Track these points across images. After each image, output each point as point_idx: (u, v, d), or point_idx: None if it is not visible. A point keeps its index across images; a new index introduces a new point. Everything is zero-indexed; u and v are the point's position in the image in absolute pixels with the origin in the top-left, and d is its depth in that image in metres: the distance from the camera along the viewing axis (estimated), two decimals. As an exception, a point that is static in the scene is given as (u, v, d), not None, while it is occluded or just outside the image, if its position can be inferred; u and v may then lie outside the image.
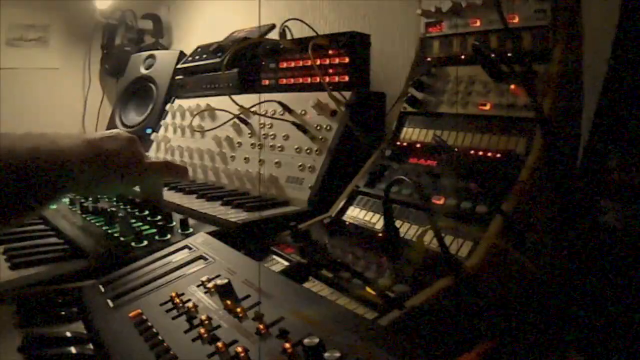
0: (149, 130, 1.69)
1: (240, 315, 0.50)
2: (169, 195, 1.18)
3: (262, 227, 0.92)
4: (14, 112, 2.18)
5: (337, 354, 0.39)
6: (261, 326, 0.46)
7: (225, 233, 0.88)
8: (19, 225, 0.92)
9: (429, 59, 0.96)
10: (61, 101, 2.56)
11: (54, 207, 1.13)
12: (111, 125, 1.99)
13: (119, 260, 0.76)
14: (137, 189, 0.87)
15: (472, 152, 0.80)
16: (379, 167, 0.92)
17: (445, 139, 0.86)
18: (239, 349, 0.43)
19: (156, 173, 0.82)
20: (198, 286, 0.59)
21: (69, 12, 2.60)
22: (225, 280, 0.54)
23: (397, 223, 0.77)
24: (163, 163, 0.83)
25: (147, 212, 1.02)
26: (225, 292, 0.53)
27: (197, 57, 1.66)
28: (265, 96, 1.27)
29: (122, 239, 0.86)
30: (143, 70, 1.97)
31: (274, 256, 0.78)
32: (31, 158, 0.62)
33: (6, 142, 0.62)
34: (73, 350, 0.51)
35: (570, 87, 0.79)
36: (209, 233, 0.80)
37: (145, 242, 0.84)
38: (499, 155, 0.77)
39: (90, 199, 1.14)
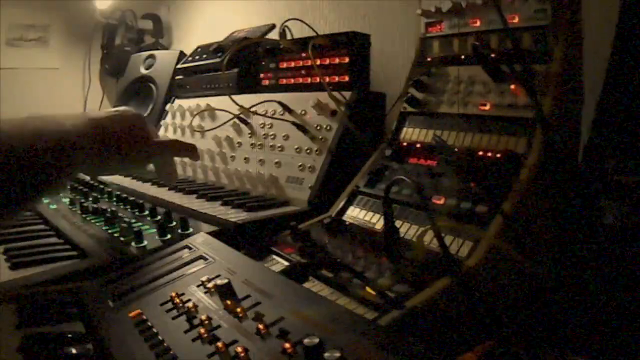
0: (149, 130, 1.69)
1: (240, 315, 0.50)
2: (169, 195, 1.19)
3: (262, 227, 0.92)
4: (14, 112, 2.17)
5: (337, 354, 0.39)
6: (261, 326, 0.46)
7: (225, 233, 0.88)
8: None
9: (429, 59, 0.96)
10: (61, 101, 2.56)
11: (54, 207, 1.13)
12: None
13: (119, 260, 0.76)
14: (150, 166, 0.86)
15: (472, 152, 0.80)
16: (379, 167, 0.92)
17: (445, 139, 0.86)
18: (239, 349, 0.43)
19: (164, 152, 0.81)
20: (198, 286, 0.59)
21: (69, 12, 2.61)
22: (225, 280, 0.54)
23: (397, 223, 0.77)
24: (170, 142, 0.82)
25: (147, 212, 1.02)
26: (225, 292, 0.53)
27: (197, 57, 1.66)
28: (265, 96, 1.27)
29: (122, 239, 0.86)
30: (143, 70, 1.97)
31: (274, 256, 0.78)
32: (35, 140, 0.61)
33: (8, 125, 0.61)
34: (73, 350, 0.51)
35: (570, 87, 0.79)
36: (209, 233, 0.80)
37: (145, 242, 0.84)
38: (499, 155, 0.77)
39: (91, 199, 1.15)
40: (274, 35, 1.45)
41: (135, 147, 0.74)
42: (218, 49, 1.58)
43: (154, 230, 0.88)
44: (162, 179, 0.95)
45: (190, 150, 0.84)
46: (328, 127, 1.11)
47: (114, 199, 1.17)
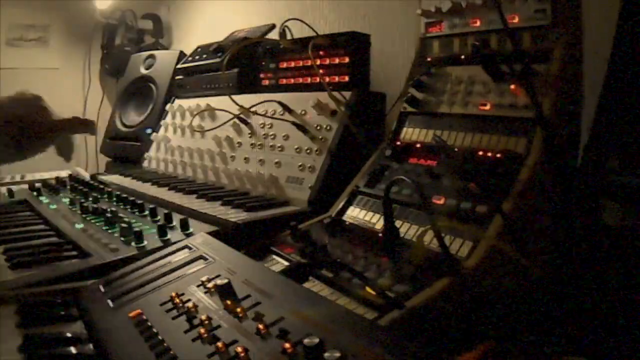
0: (149, 130, 1.69)
1: (240, 315, 0.50)
2: (169, 195, 1.19)
3: (262, 227, 0.92)
4: (14, 112, 2.18)
5: (337, 354, 0.39)
6: (261, 326, 0.46)
7: (225, 233, 0.88)
8: None
9: (429, 59, 0.96)
10: (61, 101, 2.53)
11: (54, 207, 1.13)
12: (111, 125, 1.99)
13: (119, 260, 0.76)
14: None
15: (472, 152, 0.80)
16: (379, 167, 0.92)
17: (445, 139, 0.86)
18: (239, 349, 0.43)
19: (64, 131, 0.82)
20: (198, 286, 0.59)
21: (69, 12, 2.61)
22: (225, 280, 0.54)
23: (397, 223, 0.77)
24: (69, 120, 0.84)
25: (147, 212, 1.02)
26: (225, 292, 0.53)
27: (197, 57, 1.66)
28: (265, 96, 1.27)
29: (122, 239, 0.86)
30: (143, 70, 1.97)
31: (274, 256, 0.78)
32: None
33: None
34: (73, 350, 0.51)
35: (570, 87, 0.79)
36: (209, 233, 0.80)
37: (145, 242, 0.84)
38: (499, 155, 0.77)
39: (91, 199, 1.15)
40: (274, 35, 1.45)
41: (39, 126, 0.74)
42: (218, 49, 1.58)
43: (154, 230, 0.88)
44: (62, 156, 0.95)
45: (88, 125, 0.84)
46: (328, 127, 1.11)
47: (114, 199, 1.17)
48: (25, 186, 1.37)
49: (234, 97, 1.28)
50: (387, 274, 0.66)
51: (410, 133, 0.94)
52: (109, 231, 0.91)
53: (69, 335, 0.55)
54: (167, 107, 1.66)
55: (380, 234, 0.78)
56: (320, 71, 1.19)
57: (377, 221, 0.84)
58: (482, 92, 0.85)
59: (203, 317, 0.50)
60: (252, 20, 1.77)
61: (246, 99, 1.29)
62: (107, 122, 2.06)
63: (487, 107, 0.83)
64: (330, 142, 1.08)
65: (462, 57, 0.90)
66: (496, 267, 0.65)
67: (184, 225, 0.90)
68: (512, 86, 0.80)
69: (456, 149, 0.83)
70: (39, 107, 0.76)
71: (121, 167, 1.74)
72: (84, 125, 0.85)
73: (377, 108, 1.20)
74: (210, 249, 0.69)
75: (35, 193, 1.27)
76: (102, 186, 1.30)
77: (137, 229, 0.85)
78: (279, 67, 1.35)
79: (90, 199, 1.15)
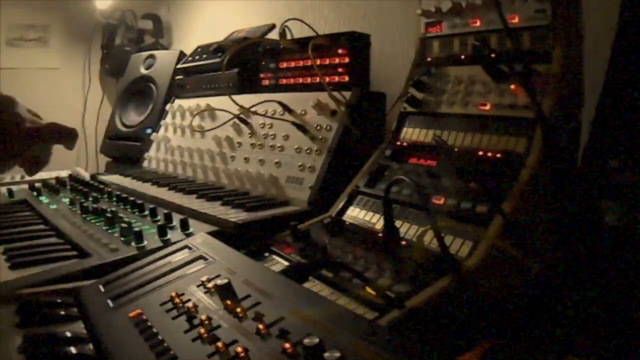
0: (149, 130, 1.69)
1: (240, 315, 0.50)
2: (169, 195, 1.19)
3: (262, 227, 0.92)
4: (14, 112, 2.18)
5: (337, 354, 0.39)
6: (261, 326, 0.46)
7: (225, 233, 0.88)
8: None
9: (429, 59, 0.96)
10: (61, 101, 2.56)
11: (54, 207, 1.13)
12: (111, 125, 1.99)
13: (119, 260, 0.76)
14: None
15: (472, 152, 0.80)
16: (379, 167, 0.92)
17: (445, 139, 0.86)
18: (239, 349, 0.43)
19: (41, 139, 0.68)
20: (198, 286, 0.59)
21: (69, 12, 2.61)
22: (225, 280, 0.54)
23: (397, 223, 0.77)
24: (47, 126, 0.69)
25: (147, 212, 1.02)
26: (225, 292, 0.53)
27: (197, 57, 1.66)
28: (265, 96, 1.27)
29: (122, 239, 0.86)
30: (143, 70, 1.97)
31: (274, 256, 0.78)
32: None
33: None
34: (73, 350, 0.51)
35: (570, 87, 0.79)
36: (209, 233, 0.80)
37: (145, 242, 0.84)
38: (499, 155, 0.77)
39: (91, 199, 1.15)
40: (274, 35, 1.45)
41: (11, 136, 0.64)
42: (218, 49, 1.58)
43: (154, 230, 0.88)
44: (33, 167, 0.75)
45: (68, 134, 0.69)
46: (328, 127, 1.11)
47: (114, 199, 1.17)
48: (25, 186, 1.37)
49: (234, 97, 1.28)
50: (387, 274, 0.66)
51: (410, 133, 0.94)
52: (109, 231, 0.91)
53: (69, 335, 0.55)
54: (167, 107, 1.66)
55: (380, 234, 0.78)
56: (320, 71, 1.19)
57: (377, 221, 0.84)
58: (482, 92, 0.85)
59: (203, 317, 0.50)
60: (252, 20, 1.77)
61: (246, 99, 1.29)
62: (107, 122, 2.06)
63: (487, 107, 0.83)
64: (330, 142, 1.08)
65: (462, 57, 0.90)
66: (496, 267, 0.65)
67: (184, 225, 0.90)
68: (512, 86, 0.80)
69: (456, 149, 0.83)
70: (9, 113, 0.63)
71: (121, 167, 1.74)
72: (63, 134, 0.67)
73: (377, 108, 1.20)
74: (210, 249, 0.69)
75: (35, 193, 1.27)
76: (102, 186, 1.30)
77: (137, 229, 0.85)
78: (279, 67, 1.35)
79: (90, 199, 1.15)
